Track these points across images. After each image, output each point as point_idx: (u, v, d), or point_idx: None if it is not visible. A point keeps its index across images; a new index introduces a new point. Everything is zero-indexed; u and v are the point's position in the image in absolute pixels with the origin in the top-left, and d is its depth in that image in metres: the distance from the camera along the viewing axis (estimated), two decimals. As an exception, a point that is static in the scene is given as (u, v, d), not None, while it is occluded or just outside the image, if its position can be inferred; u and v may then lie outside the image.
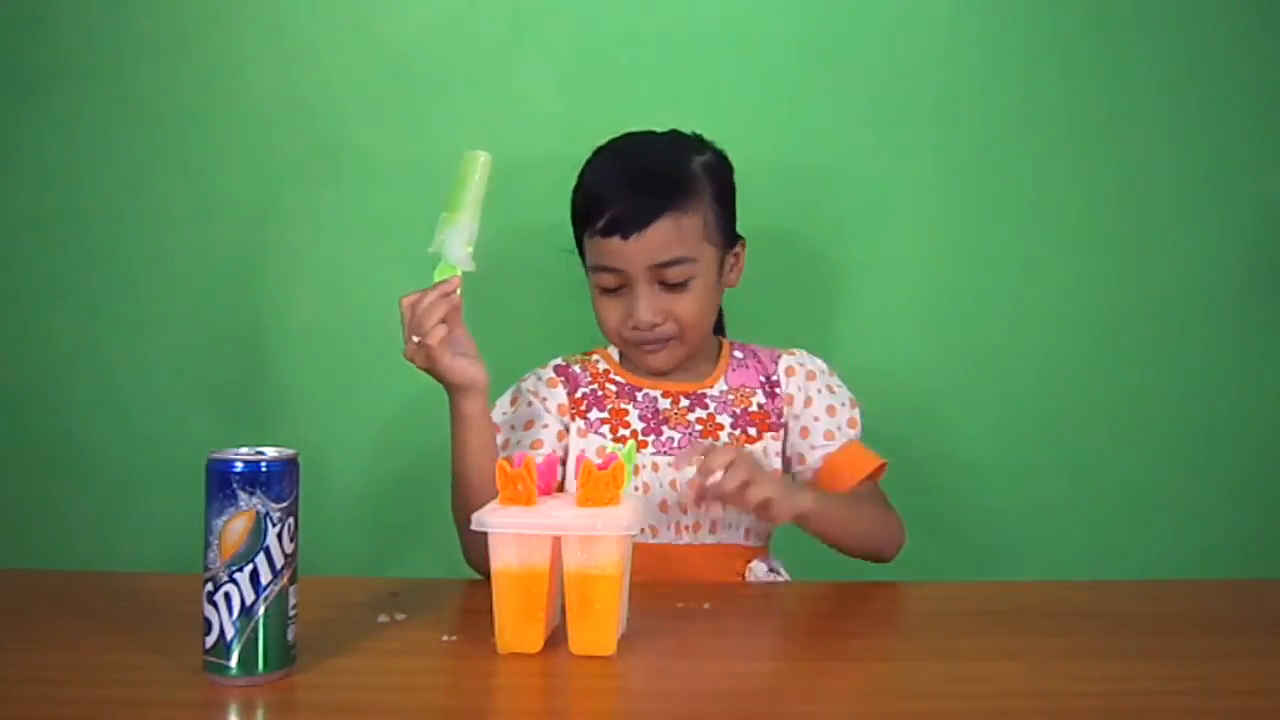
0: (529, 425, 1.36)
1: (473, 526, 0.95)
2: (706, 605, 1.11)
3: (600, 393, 1.39)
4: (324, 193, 1.69)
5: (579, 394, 1.38)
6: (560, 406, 1.37)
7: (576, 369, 1.41)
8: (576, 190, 1.37)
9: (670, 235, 1.30)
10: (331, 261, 1.70)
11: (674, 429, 1.36)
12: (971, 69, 1.72)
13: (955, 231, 1.72)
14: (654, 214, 1.29)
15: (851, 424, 1.39)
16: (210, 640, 0.87)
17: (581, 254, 1.39)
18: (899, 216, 1.71)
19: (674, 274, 1.31)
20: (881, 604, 1.18)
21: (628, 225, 1.29)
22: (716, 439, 1.36)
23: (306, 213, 1.70)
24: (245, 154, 1.69)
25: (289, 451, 0.90)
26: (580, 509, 0.97)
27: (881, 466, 1.37)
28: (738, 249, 1.40)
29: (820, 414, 1.38)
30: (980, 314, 1.73)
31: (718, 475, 1.12)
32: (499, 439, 1.34)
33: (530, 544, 0.95)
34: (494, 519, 0.95)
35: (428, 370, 1.18)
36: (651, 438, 1.35)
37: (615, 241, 1.30)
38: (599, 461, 1.01)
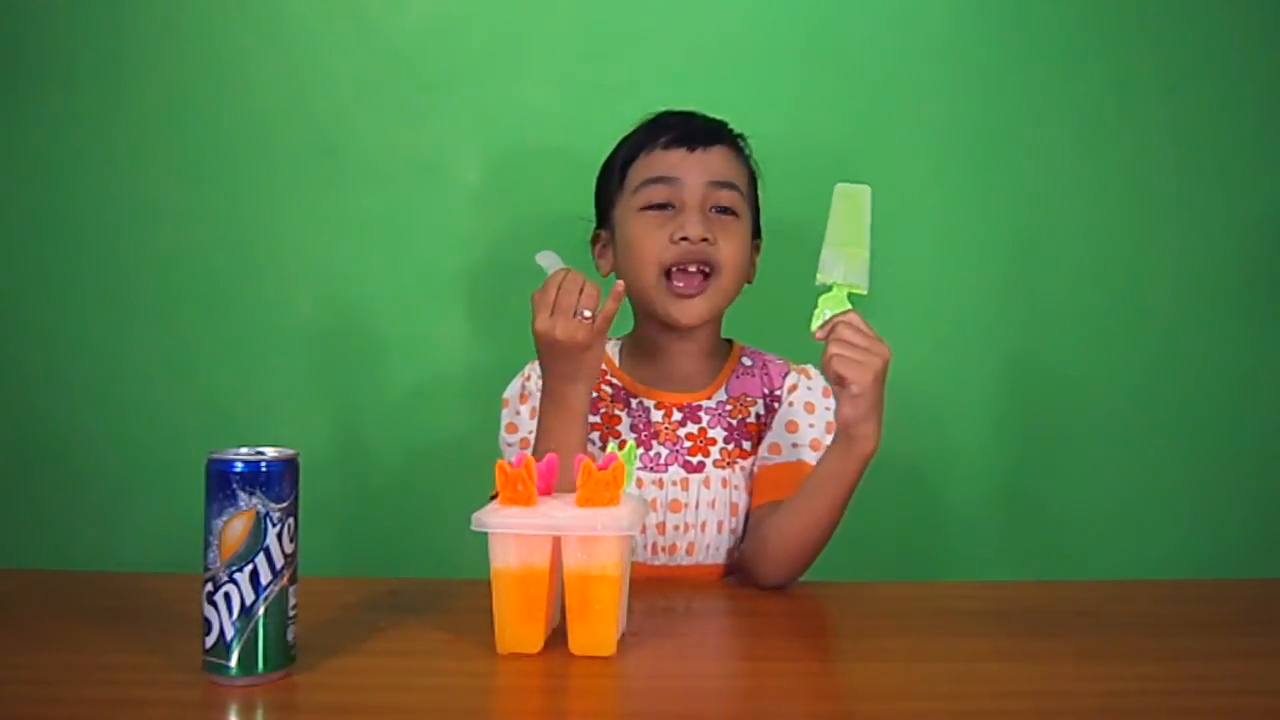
0: None
1: (473, 527, 0.95)
2: (707, 606, 1.11)
3: (595, 395, 1.34)
4: (323, 193, 1.69)
5: None
6: None
7: None
8: (622, 141, 1.37)
9: (729, 161, 1.34)
10: (331, 261, 1.70)
11: (663, 444, 1.32)
12: (974, 68, 1.72)
13: (956, 232, 1.72)
14: (717, 137, 1.34)
15: (814, 446, 1.31)
16: (210, 640, 0.87)
17: (602, 215, 1.38)
18: (901, 215, 1.71)
19: (727, 197, 1.31)
20: (881, 604, 1.18)
21: (693, 140, 1.32)
22: (707, 455, 1.32)
23: (305, 213, 1.70)
24: (244, 154, 1.69)
25: (289, 451, 0.90)
26: (580, 509, 0.97)
27: None
28: (759, 242, 1.39)
29: (777, 425, 1.33)
30: (982, 312, 1.73)
31: (840, 334, 1.11)
32: (517, 438, 1.32)
33: (530, 544, 0.95)
34: (494, 519, 0.95)
35: (575, 345, 1.15)
36: (640, 451, 1.31)
37: (679, 153, 1.31)
38: (599, 462, 1.01)
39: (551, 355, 1.18)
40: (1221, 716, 0.87)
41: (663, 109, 1.38)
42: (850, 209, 1.18)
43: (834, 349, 1.12)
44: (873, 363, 1.11)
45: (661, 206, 1.31)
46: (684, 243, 1.28)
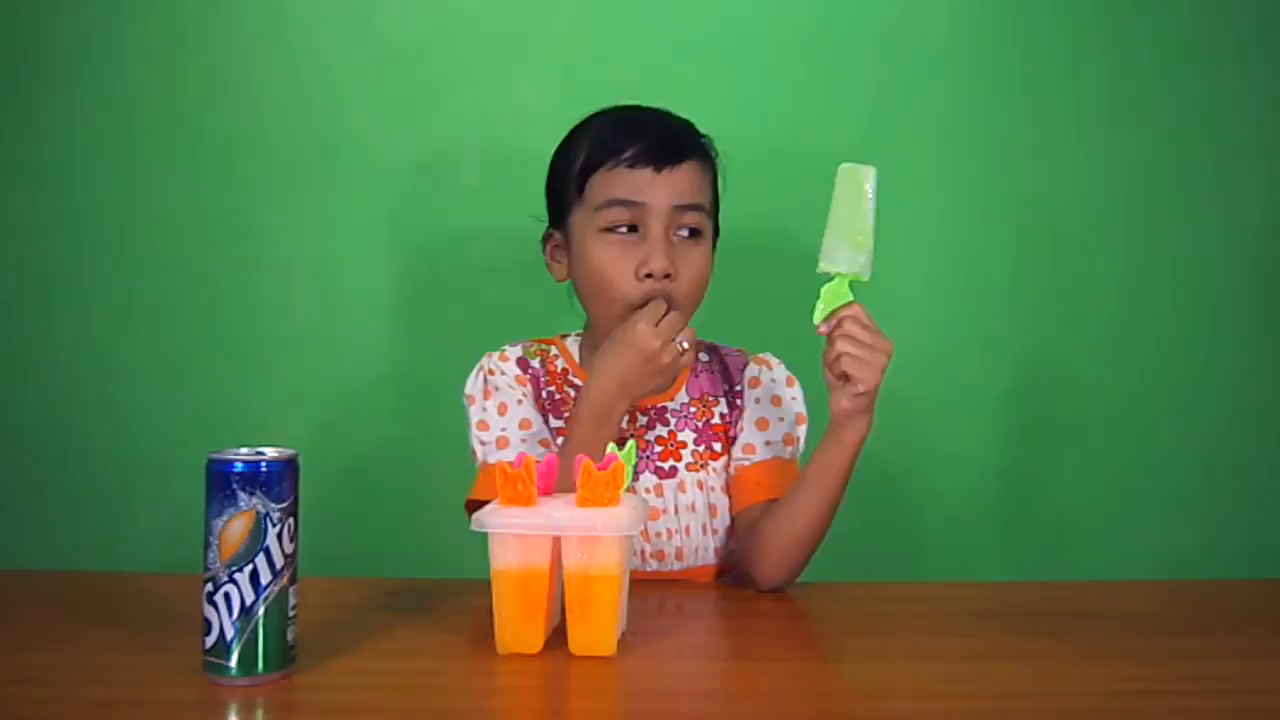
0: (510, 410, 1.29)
1: (473, 527, 0.95)
2: (706, 606, 1.11)
3: (559, 396, 1.30)
4: (323, 192, 1.70)
5: (543, 394, 1.31)
6: (535, 401, 1.31)
7: (536, 365, 1.32)
8: (577, 138, 1.29)
9: (697, 180, 1.25)
10: (331, 261, 1.70)
11: None
12: (974, 69, 1.72)
13: (957, 231, 1.73)
14: (686, 153, 1.24)
15: (787, 441, 1.30)
16: (210, 640, 0.87)
17: (556, 215, 1.31)
18: (900, 215, 1.71)
19: (691, 219, 1.23)
20: (881, 604, 1.18)
21: (662, 157, 1.22)
22: (679, 459, 1.29)
23: (305, 212, 1.70)
24: (244, 154, 1.69)
25: (289, 451, 0.89)
26: (580, 509, 0.97)
27: None
28: (715, 240, 1.32)
29: (748, 424, 1.30)
30: (981, 313, 1.73)
31: (847, 330, 1.10)
32: (492, 435, 1.27)
33: (530, 544, 0.95)
34: (494, 519, 0.95)
35: (660, 367, 1.17)
36: None
37: (645, 174, 1.22)
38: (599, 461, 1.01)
39: (633, 364, 1.16)
40: (1221, 716, 0.87)
41: (629, 103, 1.31)
42: (853, 191, 1.13)
43: (841, 346, 1.10)
44: (879, 360, 1.11)
45: (624, 227, 1.23)
46: (648, 280, 1.21)
